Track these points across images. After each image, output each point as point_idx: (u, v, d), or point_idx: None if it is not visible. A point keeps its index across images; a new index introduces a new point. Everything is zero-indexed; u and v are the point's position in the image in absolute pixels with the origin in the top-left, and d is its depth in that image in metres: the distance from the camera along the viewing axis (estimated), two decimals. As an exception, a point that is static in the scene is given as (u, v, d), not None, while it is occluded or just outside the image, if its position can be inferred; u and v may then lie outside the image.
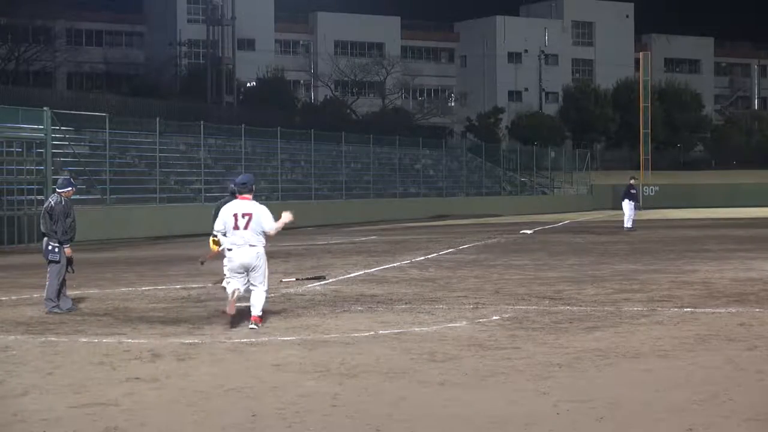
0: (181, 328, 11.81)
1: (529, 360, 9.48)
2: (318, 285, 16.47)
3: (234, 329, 11.57)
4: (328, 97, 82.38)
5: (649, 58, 70.68)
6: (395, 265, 20.51)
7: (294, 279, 17.42)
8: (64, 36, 73.04)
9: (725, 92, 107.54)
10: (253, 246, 11.66)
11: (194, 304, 14.25)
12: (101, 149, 36.14)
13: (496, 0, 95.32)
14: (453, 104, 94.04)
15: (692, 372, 8.91)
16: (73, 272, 13.87)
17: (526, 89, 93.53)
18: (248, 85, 78.96)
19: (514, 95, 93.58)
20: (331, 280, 17.28)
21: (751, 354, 9.73)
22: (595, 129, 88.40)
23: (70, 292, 13.92)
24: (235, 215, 11.67)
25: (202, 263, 15.87)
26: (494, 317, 12.40)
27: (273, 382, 8.59)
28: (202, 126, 40.52)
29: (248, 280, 11.81)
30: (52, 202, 13.56)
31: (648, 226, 37.50)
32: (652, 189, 66.13)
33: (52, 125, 31.85)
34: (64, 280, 13.49)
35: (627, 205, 34.01)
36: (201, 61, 75.85)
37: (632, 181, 35.02)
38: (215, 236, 13.03)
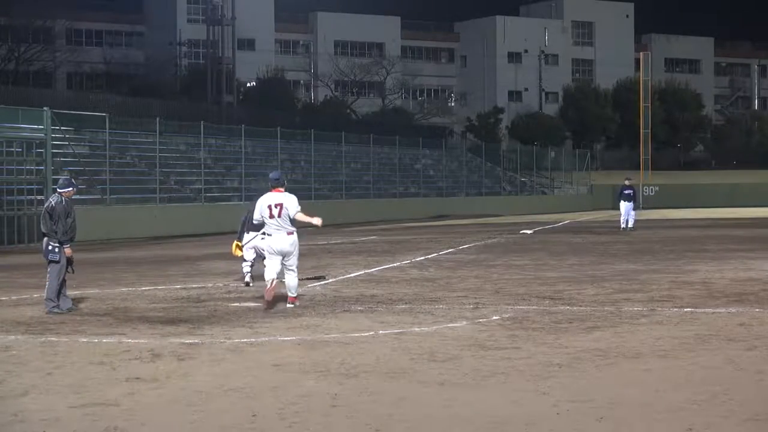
0: (181, 328, 11.82)
1: (529, 360, 9.48)
2: (318, 285, 16.47)
3: (270, 311, 13.11)
4: (328, 97, 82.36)
5: (649, 58, 70.67)
6: (395, 265, 20.51)
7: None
8: (64, 36, 73.00)
9: (725, 92, 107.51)
10: (290, 234, 13.43)
11: (194, 304, 14.25)
12: (101, 149, 36.14)
13: (496, 0, 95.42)
14: (453, 104, 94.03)
15: (692, 372, 8.91)
16: (73, 272, 13.86)
17: (526, 89, 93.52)
18: (248, 85, 78.94)
19: (514, 95, 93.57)
20: (331, 280, 17.28)
21: (751, 354, 9.73)
22: (595, 129, 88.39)
23: (70, 292, 13.92)
24: (270, 206, 13.42)
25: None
26: (494, 317, 12.40)
27: (273, 382, 8.59)
28: (202, 126, 40.52)
29: (282, 265, 13.47)
30: (53, 202, 13.55)
31: (648, 226, 37.51)
32: (652, 189, 66.14)
33: (52, 125, 31.85)
34: (64, 280, 13.48)
35: (622, 206, 34.11)
36: (201, 61, 75.83)
37: (626, 182, 35.04)
38: (239, 240, 15.52)
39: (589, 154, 73.65)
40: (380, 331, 11.33)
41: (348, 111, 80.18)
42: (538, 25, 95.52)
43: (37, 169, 30.70)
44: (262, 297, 13.66)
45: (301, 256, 14.48)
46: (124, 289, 16.30)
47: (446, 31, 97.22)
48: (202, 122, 40.96)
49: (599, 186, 66.43)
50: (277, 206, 13.39)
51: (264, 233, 13.78)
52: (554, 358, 9.54)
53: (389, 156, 55.38)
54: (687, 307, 13.11)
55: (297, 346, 10.48)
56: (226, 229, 35.42)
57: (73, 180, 14.54)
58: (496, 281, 16.93)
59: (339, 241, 29.49)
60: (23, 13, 64.71)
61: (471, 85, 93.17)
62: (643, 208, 56.71)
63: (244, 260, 16.39)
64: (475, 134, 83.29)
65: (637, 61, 75.00)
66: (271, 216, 13.38)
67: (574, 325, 11.62)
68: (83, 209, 27.92)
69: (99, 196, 34.48)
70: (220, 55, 73.39)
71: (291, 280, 13.58)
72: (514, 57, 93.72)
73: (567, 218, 47.08)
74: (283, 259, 13.45)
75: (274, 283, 13.39)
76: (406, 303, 13.96)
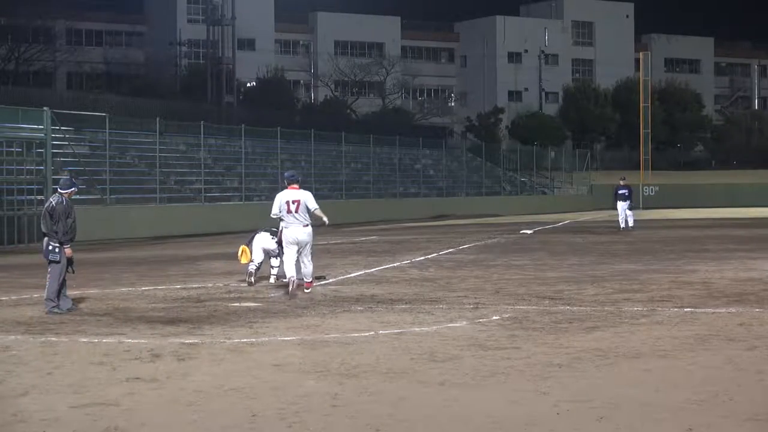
0: (181, 328, 11.81)
1: (529, 360, 9.47)
2: (318, 285, 16.47)
3: (291, 301, 14.32)
4: (328, 97, 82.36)
5: (649, 58, 70.68)
6: (395, 265, 20.51)
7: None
8: (64, 36, 72.96)
9: (725, 92, 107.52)
10: (306, 226, 15.07)
11: (194, 304, 14.25)
12: (101, 149, 36.14)
13: (496, 0, 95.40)
14: (453, 104, 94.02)
15: (692, 372, 8.91)
16: (74, 272, 13.86)
17: (526, 89, 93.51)
18: (248, 85, 78.93)
19: (514, 95, 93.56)
20: (331, 280, 17.28)
21: (751, 354, 9.73)
22: (595, 129, 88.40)
23: (70, 292, 13.91)
24: (288, 202, 15.00)
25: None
26: (494, 317, 12.39)
27: (273, 382, 8.59)
28: (202, 126, 40.52)
29: (299, 257, 15.02)
30: (53, 202, 13.54)
31: (648, 226, 37.51)
32: (652, 189, 66.15)
33: (52, 125, 31.85)
34: (64, 280, 13.47)
35: (618, 206, 34.18)
36: (201, 61, 75.82)
37: (621, 182, 35.01)
38: (248, 244, 16.59)
39: (589, 154, 73.65)
40: (380, 331, 11.33)
41: (348, 111, 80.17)
42: (538, 25, 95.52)
43: (37, 169, 30.70)
44: (262, 297, 13.81)
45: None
46: (124, 289, 16.29)
47: (446, 31, 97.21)
48: (202, 122, 40.96)
49: (599, 186, 66.39)
50: (295, 202, 14.95)
51: (274, 235, 15.77)
52: (554, 358, 9.54)
53: (389, 156, 55.37)
54: (687, 307, 13.11)
55: (297, 346, 10.47)
56: (226, 229, 35.50)
57: (74, 180, 14.54)
58: (496, 281, 16.92)
59: (339, 241, 29.49)
60: (23, 13, 64.68)
61: (471, 85, 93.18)
62: (644, 208, 56.74)
63: (251, 260, 16.53)
64: (475, 134, 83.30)
65: (637, 61, 74.99)
66: (289, 211, 14.92)
67: (574, 325, 11.62)
68: (83, 209, 27.89)
69: (99, 196, 34.48)
70: (220, 55, 73.39)
71: (308, 267, 15.16)
72: (514, 57, 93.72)
73: (567, 218, 47.08)
74: (299, 249, 14.95)
75: (295, 283, 14.80)
76: (406, 303, 13.96)
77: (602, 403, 7.67)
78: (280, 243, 15.96)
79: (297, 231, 14.95)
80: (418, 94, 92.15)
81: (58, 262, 13.34)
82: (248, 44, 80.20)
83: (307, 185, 45.53)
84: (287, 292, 14.84)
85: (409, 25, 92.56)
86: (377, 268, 19.69)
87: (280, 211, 15.03)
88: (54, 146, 32.05)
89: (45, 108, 31.71)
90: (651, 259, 21.25)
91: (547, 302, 13.88)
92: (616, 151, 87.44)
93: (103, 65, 75.71)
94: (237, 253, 17.08)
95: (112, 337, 11.16)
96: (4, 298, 15.21)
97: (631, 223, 34.02)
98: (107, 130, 35.63)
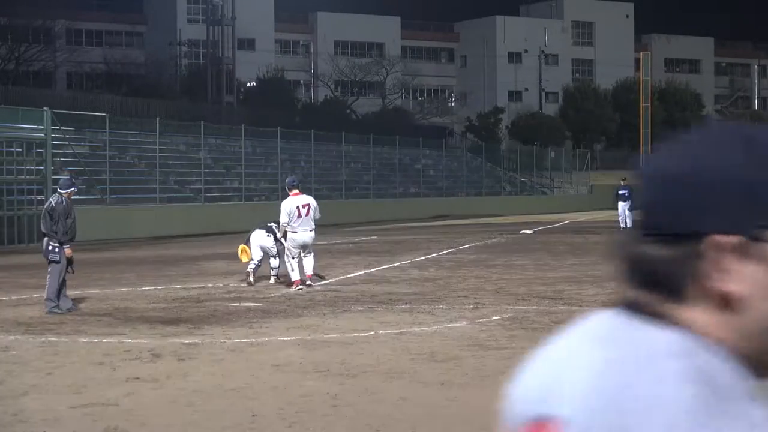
0: (181, 328, 11.81)
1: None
2: (318, 285, 16.47)
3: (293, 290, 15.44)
4: (328, 97, 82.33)
5: (649, 58, 70.67)
6: (395, 265, 20.51)
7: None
8: (64, 36, 72.96)
9: (725, 92, 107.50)
10: (313, 230, 15.94)
11: (194, 304, 14.25)
12: (101, 149, 36.13)
13: (496, 0, 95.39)
14: (453, 104, 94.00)
15: (692, 372, 8.89)
16: (73, 272, 13.86)
17: (526, 89, 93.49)
18: (248, 85, 78.91)
19: (514, 95, 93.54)
20: (331, 280, 17.29)
21: (751, 354, 9.72)
22: (595, 129, 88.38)
23: (70, 292, 13.91)
24: (298, 207, 15.75)
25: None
26: (494, 317, 12.39)
27: (273, 382, 8.59)
28: (202, 126, 40.51)
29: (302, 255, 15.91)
30: (53, 202, 13.55)
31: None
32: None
33: (52, 125, 31.85)
34: (64, 280, 13.48)
35: (619, 207, 34.29)
36: (201, 61, 75.82)
37: (622, 182, 35.11)
38: (246, 243, 16.84)
39: (589, 154, 73.63)
40: (380, 331, 11.33)
41: (348, 111, 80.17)
42: (538, 25, 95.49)
43: (37, 169, 30.69)
44: (262, 297, 13.86)
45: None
46: (124, 289, 16.29)
47: (446, 31, 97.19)
48: (202, 122, 40.96)
49: (599, 186, 66.38)
50: (305, 206, 15.84)
51: (269, 232, 16.42)
52: (554, 358, 9.52)
53: (389, 156, 55.35)
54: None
55: (297, 346, 10.47)
56: (226, 229, 35.47)
57: (73, 180, 14.55)
58: (496, 281, 16.93)
59: (339, 241, 29.48)
60: (23, 13, 64.68)
61: (471, 85, 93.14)
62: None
63: (251, 259, 16.59)
64: (475, 134, 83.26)
65: (637, 61, 74.98)
66: (299, 215, 15.72)
67: (574, 325, 11.60)
68: (83, 209, 27.89)
69: (99, 196, 34.47)
70: (220, 55, 73.40)
71: (310, 262, 16.04)
72: (514, 57, 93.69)
73: (567, 218, 47.08)
74: (303, 251, 15.87)
75: (299, 283, 15.69)
76: (406, 303, 13.96)
77: (602, 403, 7.65)
78: (277, 241, 16.20)
79: (305, 235, 15.70)
80: (418, 94, 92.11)
81: (58, 262, 13.34)
82: (248, 44, 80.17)
83: (307, 185, 46.00)
84: (292, 288, 15.50)
85: (409, 25, 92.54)
86: (377, 268, 19.70)
87: (290, 218, 15.68)
88: (54, 146, 32.04)
89: (45, 108, 31.71)
90: (651, 259, 21.22)
91: (547, 302, 13.88)
92: (616, 151, 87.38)
93: (103, 65, 75.67)
94: (237, 252, 17.15)
95: (112, 337, 11.16)
96: (4, 298, 15.21)
97: (630, 223, 34.03)
98: (107, 130, 35.63)
